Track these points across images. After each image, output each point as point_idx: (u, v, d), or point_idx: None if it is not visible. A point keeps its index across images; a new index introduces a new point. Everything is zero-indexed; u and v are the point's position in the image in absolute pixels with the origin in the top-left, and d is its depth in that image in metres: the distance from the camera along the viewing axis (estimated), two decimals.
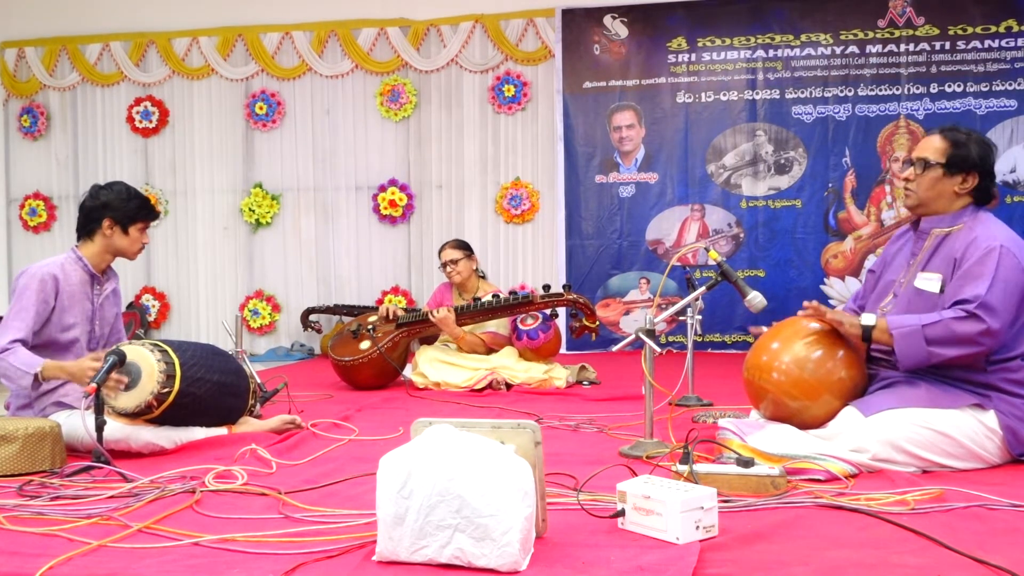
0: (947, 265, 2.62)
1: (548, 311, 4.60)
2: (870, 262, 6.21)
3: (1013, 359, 2.56)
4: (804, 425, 2.65)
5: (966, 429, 2.50)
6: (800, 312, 2.83)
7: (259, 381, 3.66)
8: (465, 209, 6.78)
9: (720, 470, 2.27)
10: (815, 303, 2.80)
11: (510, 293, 4.67)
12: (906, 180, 2.76)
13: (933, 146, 2.70)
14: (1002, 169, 6.07)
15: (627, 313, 6.53)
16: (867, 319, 2.65)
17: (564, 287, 4.70)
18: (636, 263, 6.55)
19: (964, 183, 2.67)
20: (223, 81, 7.06)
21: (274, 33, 6.96)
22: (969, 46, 6.09)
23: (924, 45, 6.15)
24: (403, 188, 6.86)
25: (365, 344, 4.61)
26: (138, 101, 7.14)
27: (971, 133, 2.71)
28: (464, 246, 4.93)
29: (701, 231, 6.47)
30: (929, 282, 2.64)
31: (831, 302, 5.93)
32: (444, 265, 4.84)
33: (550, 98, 6.64)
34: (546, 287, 4.70)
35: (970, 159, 2.65)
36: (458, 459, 1.75)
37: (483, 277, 5.06)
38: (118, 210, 3.17)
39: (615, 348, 3.02)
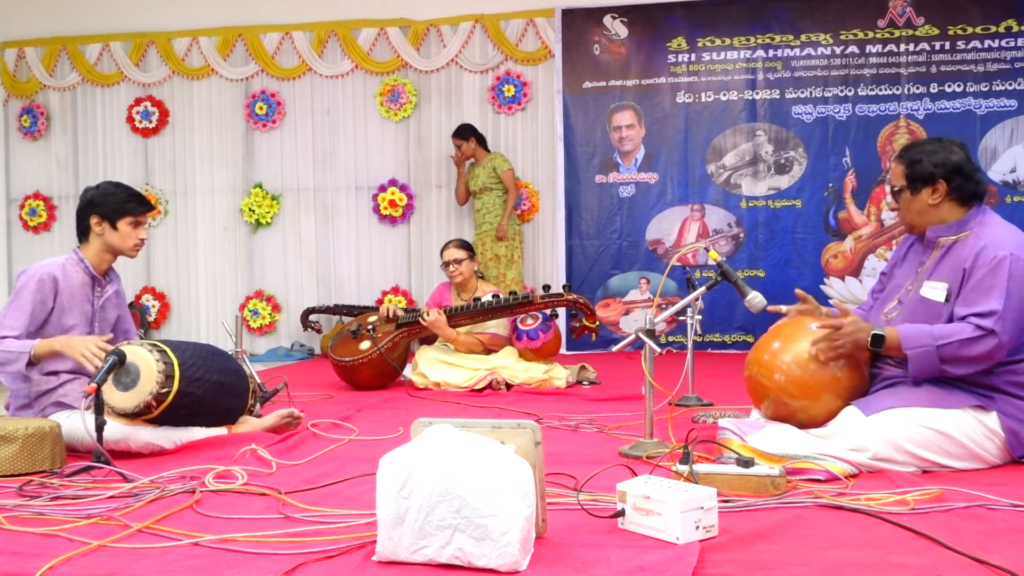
0: (955, 274, 2.60)
1: (548, 311, 4.60)
2: (870, 262, 6.22)
3: (1018, 362, 2.54)
4: (805, 425, 2.65)
5: (967, 429, 2.50)
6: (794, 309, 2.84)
7: (259, 381, 3.66)
8: (465, 209, 6.77)
9: (720, 470, 2.27)
10: (811, 298, 2.81)
11: (510, 293, 4.67)
12: (893, 210, 2.81)
13: (896, 172, 2.76)
14: (1002, 169, 6.07)
15: (627, 313, 6.53)
16: (876, 340, 2.61)
17: (564, 287, 4.70)
18: (636, 263, 6.55)
19: (934, 193, 2.67)
20: (223, 81, 7.06)
21: (274, 33, 6.96)
22: (969, 46, 6.09)
23: (924, 45, 6.15)
24: (403, 188, 6.87)
25: (365, 344, 4.61)
26: (138, 101, 7.15)
27: (926, 145, 2.72)
28: (467, 246, 4.93)
29: (701, 231, 6.47)
30: (935, 291, 2.63)
31: (831, 302, 5.91)
32: (447, 264, 4.84)
33: (550, 98, 6.64)
34: (546, 287, 4.70)
35: (926, 171, 2.66)
36: (458, 459, 1.75)
37: (482, 278, 5.06)
38: (103, 205, 3.14)
39: (615, 348, 3.02)
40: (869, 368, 2.76)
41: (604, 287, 6.58)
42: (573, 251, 6.61)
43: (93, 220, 3.15)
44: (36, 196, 7.35)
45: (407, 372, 4.64)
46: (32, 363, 2.95)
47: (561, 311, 5.07)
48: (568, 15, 6.57)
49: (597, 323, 4.71)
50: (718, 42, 6.40)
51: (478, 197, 6.39)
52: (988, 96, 6.07)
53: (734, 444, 2.56)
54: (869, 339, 2.60)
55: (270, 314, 7.00)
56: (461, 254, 4.84)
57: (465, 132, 6.37)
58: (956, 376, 2.54)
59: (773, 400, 2.71)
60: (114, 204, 3.15)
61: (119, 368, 2.79)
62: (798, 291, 2.93)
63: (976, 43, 6.08)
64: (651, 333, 2.82)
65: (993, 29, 6.05)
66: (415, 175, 6.90)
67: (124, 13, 7.19)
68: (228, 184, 7.11)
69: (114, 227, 3.16)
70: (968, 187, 2.66)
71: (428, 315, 4.55)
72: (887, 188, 6.18)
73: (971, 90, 6.09)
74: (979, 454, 2.51)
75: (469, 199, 6.55)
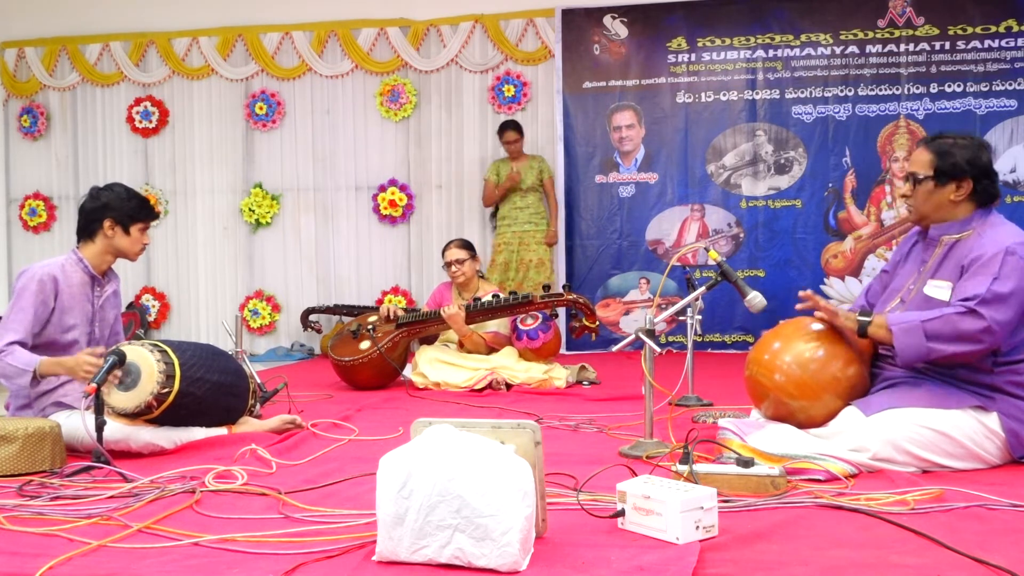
0: (956, 272, 2.60)
1: (548, 311, 4.60)
2: (870, 262, 6.22)
3: (1018, 362, 2.54)
4: (804, 425, 2.65)
5: (967, 430, 2.50)
6: (798, 305, 2.82)
7: (259, 381, 3.66)
8: (465, 209, 6.78)
9: (720, 470, 2.27)
10: (809, 292, 2.79)
11: (510, 293, 4.67)
12: (904, 196, 2.77)
13: (921, 159, 2.69)
14: (1002, 169, 6.06)
15: (627, 313, 6.53)
16: (863, 316, 2.65)
17: (564, 287, 4.70)
18: (636, 263, 6.55)
19: (958, 190, 2.64)
20: (223, 81, 7.06)
21: (274, 33, 6.96)
22: (969, 46, 6.09)
23: (924, 45, 6.15)
24: (403, 188, 6.87)
25: (365, 344, 4.61)
26: (138, 101, 7.15)
27: (958, 139, 2.67)
28: (468, 246, 4.93)
29: (701, 231, 6.47)
30: (939, 290, 2.62)
31: (831, 301, 5.92)
32: (449, 264, 4.84)
33: (550, 98, 6.64)
34: (546, 287, 4.70)
35: (958, 166, 2.62)
36: (458, 459, 1.75)
37: (483, 277, 5.07)
38: (118, 210, 3.18)
39: (615, 348, 3.02)
40: (869, 368, 2.76)
41: (604, 287, 6.58)
42: (573, 251, 6.60)
43: (107, 223, 3.17)
44: (36, 196, 7.34)
45: (407, 372, 4.64)
46: (35, 379, 2.95)
47: (561, 311, 5.07)
48: (568, 15, 6.56)
49: (597, 323, 4.70)
50: (718, 42, 6.40)
51: (523, 196, 6.33)
52: (988, 96, 6.07)
53: (734, 444, 2.56)
54: (857, 314, 2.65)
55: (270, 314, 7.00)
56: (463, 254, 4.83)
57: (520, 128, 6.30)
58: (946, 359, 2.52)
59: (773, 400, 2.71)
60: (129, 210, 3.20)
61: (120, 368, 2.80)
62: (802, 293, 2.85)
63: (976, 43, 6.08)
64: (651, 333, 2.82)
65: (993, 29, 6.05)
66: (415, 175, 6.90)
67: (124, 13, 7.18)
68: (228, 184, 7.11)
69: (127, 232, 3.20)
70: (991, 191, 2.65)
71: (447, 309, 4.55)
72: (886, 188, 6.22)
73: (971, 90, 6.09)
74: (979, 454, 2.51)
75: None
